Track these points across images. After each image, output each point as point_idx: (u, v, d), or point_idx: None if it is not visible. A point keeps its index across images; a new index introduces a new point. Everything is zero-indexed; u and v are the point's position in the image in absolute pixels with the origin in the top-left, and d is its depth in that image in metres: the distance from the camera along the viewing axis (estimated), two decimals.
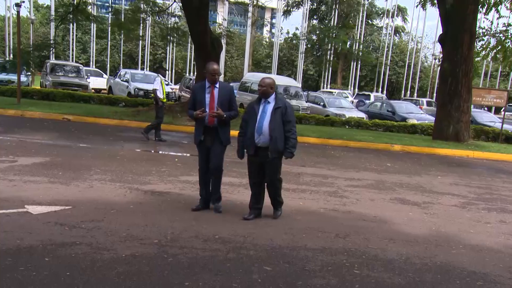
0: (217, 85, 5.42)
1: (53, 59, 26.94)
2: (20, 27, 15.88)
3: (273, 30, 60.12)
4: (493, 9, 16.54)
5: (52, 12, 31.32)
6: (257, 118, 5.13)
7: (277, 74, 38.46)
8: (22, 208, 4.95)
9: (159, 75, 11.21)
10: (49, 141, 9.29)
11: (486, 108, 26.52)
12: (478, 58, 18.26)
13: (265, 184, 5.37)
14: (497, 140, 15.94)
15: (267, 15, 65.22)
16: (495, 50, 17.21)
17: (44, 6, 53.88)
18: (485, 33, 17.48)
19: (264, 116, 5.13)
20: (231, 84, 30.34)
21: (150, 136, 10.63)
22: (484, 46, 17.55)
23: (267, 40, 59.12)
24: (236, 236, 4.66)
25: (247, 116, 5.28)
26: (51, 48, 18.72)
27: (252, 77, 22.75)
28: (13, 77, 19.15)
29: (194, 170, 7.25)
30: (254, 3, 29.35)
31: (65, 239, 4.20)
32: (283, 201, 5.53)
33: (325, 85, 42.76)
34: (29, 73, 21.97)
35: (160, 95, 10.71)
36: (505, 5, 16.41)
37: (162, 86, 10.81)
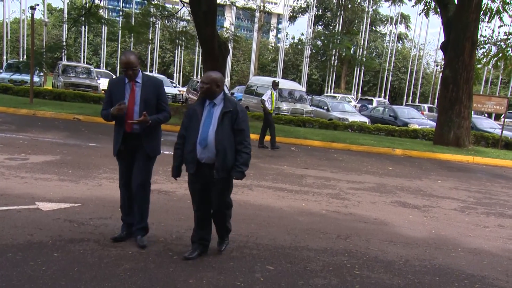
0: (139, 80, 4.07)
1: (65, 60, 27.08)
2: (34, 29, 15.99)
3: (279, 35, 60.14)
4: (496, 17, 16.49)
5: (65, 15, 31.47)
6: (200, 126, 3.80)
7: (282, 78, 38.49)
8: (33, 205, 4.98)
9: (271, 88, 11.85)
10: (59, 140, 9.34)
11: (486, 115, 26.41)
12: (479, 66, 18.20)
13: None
14: (497, 146, 15.87)
15: (273, 21, 65.27)
16: (496, 58, 17.14)
17: (58, 9, 54.26)
18: (486, 41, 17.44)
19: (209, 123, 3.79)
20: (237, 89, 30.34)
21: (278, 145, 11.30)
22: (485, 53, 17.49)
23: (273, 44, 59.25)
24: (240, 236, 4.66)
25: (187, 121, 3.90)
26: (63, 50, 18.80)
27: (258, 81, 22.79)
28: (26, 77, 19.27)
29: None
30: (261, 8, 29.45)
31: (74, 236, 4.22)
32: (231, 229, 4.22)
33: (329, 90, 42.75)
34: (42, 74, 22.12)
35: (268, 106, 11.34)
36: (508, 13, 16.33)
37: (272, 98, 11.47)
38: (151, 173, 4.24)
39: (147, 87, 4.08)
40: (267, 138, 11.39)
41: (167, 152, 8.25)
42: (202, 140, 3.76)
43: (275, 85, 12.01)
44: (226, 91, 22.43)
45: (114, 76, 31.39)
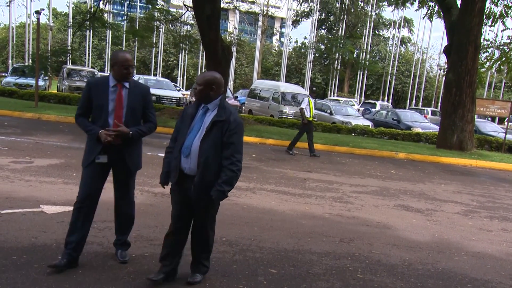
0: (127, 85, 3.62)
1: (70, 64, 27.22)
2: (39, 33, 16.09)
3: (282, 39, 60.24)
4: (499, 21, 16.49)
5: (70, 19, 31.69)
6: (188, 131, 3.35)
7: (285, 81, 38.55)
8: (38, 208, 5.00)
9: (309, 95, 11.82)
10: (64, 144, 9.38)
11: (489, 118, 26.35)
12: (483, 69, 18.17)
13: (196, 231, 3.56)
14: (500, 150, 15.80)
15: (277, 25, 65.38)
16: (499, 62, 17.12)
17: (63, 13, 54.57)
18: (490, 45, 17.42)
19: (197, 130, 3.32)
20: (240, 93, 30.30)
21: (293, 152, 11.27)
22: (489, 57, 17.47)
23: (276, 48, 59.30)
24: (243, 239, 4.67)
25: (180, 124, 3.48)
26: (68, 54, 18.95)
27: (261, 84, 22.85)
28: (31, 81, 19.39)
29: None
30: (264, 13, 29.54)
31: None
32: (209, 266, 3.65)
33: (332, 93, 42.73)
34: (47, 78, 22.24)
35: (307, 114, 11.27)
36: (511, 17, 16.33)
37: (310, 106, 11.37)
38: (134, 191, 3.88)
39: (134, 94, 3.63)
40: (320, 147, 11.46)
41: None
42: (185, 148, 3.30)
43: (312, 92, 12.08)
44: (229, 94, 22.51)
45: None
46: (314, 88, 12.51)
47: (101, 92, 3.55)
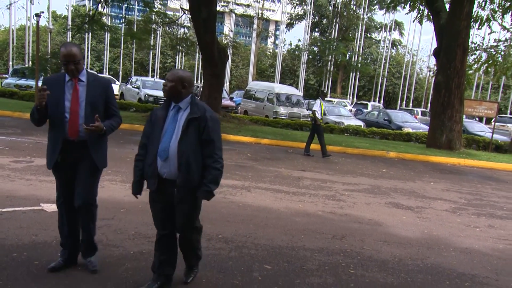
0: (83, 79, 3.36)
1: None
2: (39, 35, 16.01)
3: (276, 42, 60.23)
4: (486, 24, 16.60)
5: (69, 22, 31.54)
6: (162, 134, 3.11)
7: (279, 83, 38.57)
8: (38, 206, 4.98)
9: (320, 97, 11.89)
10: None
11: (477, 119, 26.50)
12: (471, 71, 18.28)
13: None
14: (487, 149, 15.91)
15: (271, 27, 65.40)
16: (486, 64, 17.23)
17: (62, 16, 54.22)
18: (477, 48, 17.53)
19: (172, 131, 3.09)
20: (236, 94, 30.16)
21: (329, 153, 11.39)
22: (476, 60, 17.58)
23: (271, 50, 59.24)
24: (238, 236, 4.68)
25: (149, 128, 3.21)
26: None
27: (256, 86, 22.85)
28: (31, 82, 19.28)
29: None
30: (259, 16, 29.50)
31: None
32: (201, 256, 3.57)
33: None
34: None
35: (319, 116, 11.37)
36: (497, 21, 16.46)
37: (321, 107, 11.45)
38: (97, 189, 3.55)
39: (94, 87, 3.37)
40: (315, 147, 11.46)
41: None
42: (162, 151, 3.05)
43: (323, 94, 12.17)
44: (225, 95, 22.44)
45: (117, 82, 31.32)
46: (324, 91, 12.59)
47: (56, 89, 3.30)
